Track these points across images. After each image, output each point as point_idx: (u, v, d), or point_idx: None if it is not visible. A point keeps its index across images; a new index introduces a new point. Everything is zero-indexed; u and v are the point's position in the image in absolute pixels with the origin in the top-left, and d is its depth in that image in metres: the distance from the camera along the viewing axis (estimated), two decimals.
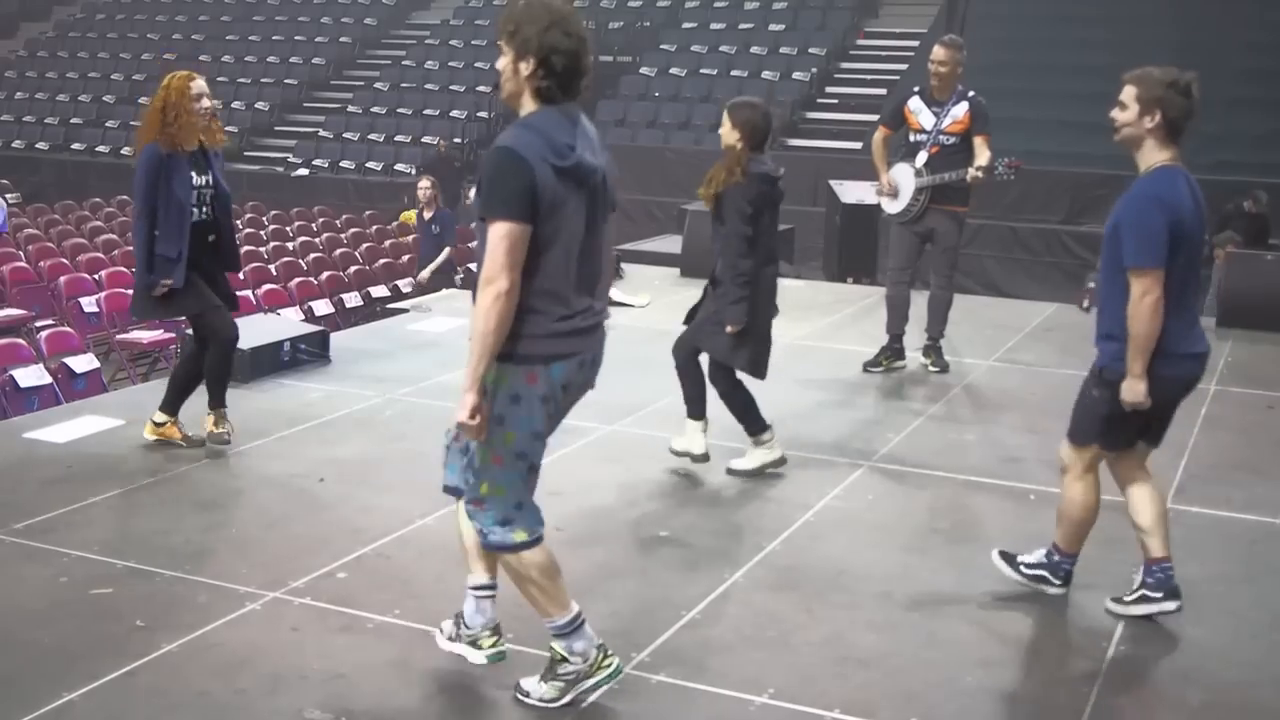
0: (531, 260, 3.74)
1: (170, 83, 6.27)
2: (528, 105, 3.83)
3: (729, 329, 6.09)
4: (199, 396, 6.55)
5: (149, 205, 6.21)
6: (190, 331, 6.79)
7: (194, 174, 6.27)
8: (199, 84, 6.27)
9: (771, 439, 6.33)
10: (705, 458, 6.36)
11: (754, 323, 6.13)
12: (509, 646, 4.24)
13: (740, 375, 6.30)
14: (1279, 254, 11.80)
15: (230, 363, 6.66)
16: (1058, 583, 4.98)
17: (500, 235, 3.69)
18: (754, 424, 6.32)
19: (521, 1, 3.81)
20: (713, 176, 6.14)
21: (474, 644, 4.22)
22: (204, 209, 6.35)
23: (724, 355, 6.22)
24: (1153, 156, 4.55)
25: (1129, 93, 4.54)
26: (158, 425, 6.55)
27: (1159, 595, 4.75)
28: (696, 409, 6.38)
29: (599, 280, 3.98)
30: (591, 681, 4.07)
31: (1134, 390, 4.53)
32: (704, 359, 6.34)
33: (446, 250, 13.58)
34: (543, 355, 3.81)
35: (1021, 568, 5.02)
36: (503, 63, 3.82)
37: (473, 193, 4.35)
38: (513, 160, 3.70)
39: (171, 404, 6.56)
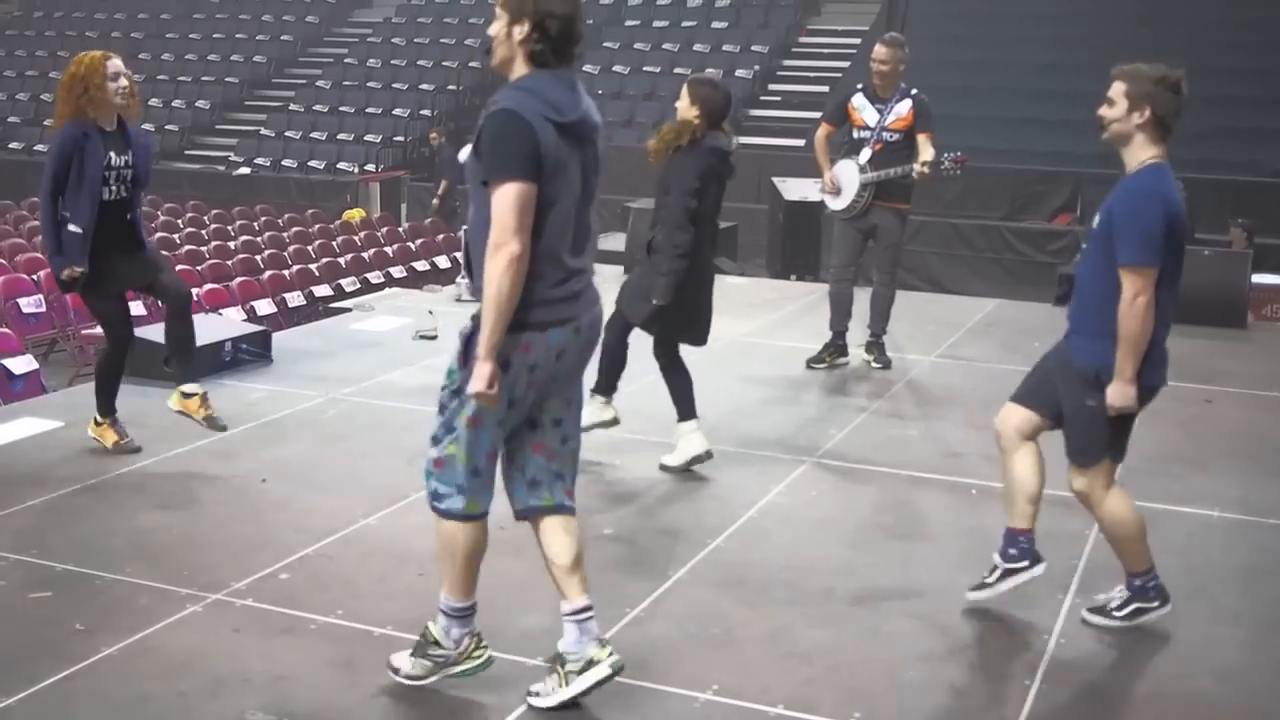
0: (534, 222, 3.68)
1: (83, 58, 6.11)
2: (519, 70, 3.77)
3: (655, 301, 6.02)
4: (149, 398, 6.45)
5: (56, 184, 6.05)
6: (101, 330, 6.57)
7: (113, 154, 6.11)
8: (115, 63, 6.11)
9: (697, 429, 6.25)
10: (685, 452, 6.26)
11: (688, 296, 6.03)
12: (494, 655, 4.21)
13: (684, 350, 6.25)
14: (1215, 249, 11.95)
15: (191, 323, 6.45)
16: (1156, 604, 4.71)
17: (511, 197, 3.62)
18: (685, 408, 6.26)
19: None
20: (663, 135, 6.08)
21: (588, 665, 3.99)
22: (121, 187, 6.19)
23: (644, 324, 6.16)
24: (1142, 153, 4.44)
25: (1117, 89, 4.44)
26: (97, 424, 6.46)
27: (1024, 564, 4.76)
28: (683, 405, 6.25)
29: (591, 242, 3.93)
30: (459, 669, 4.11)
31: (1125, 395, 4.40)
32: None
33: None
34: (540, 322, 3.76)
35: (1114, 615, 4.75)
36: (496, 28, 3.77)
37: (463, 154, 4.24)
38: (515, 121, 3.64)
39: (103, 406, 6.43)
